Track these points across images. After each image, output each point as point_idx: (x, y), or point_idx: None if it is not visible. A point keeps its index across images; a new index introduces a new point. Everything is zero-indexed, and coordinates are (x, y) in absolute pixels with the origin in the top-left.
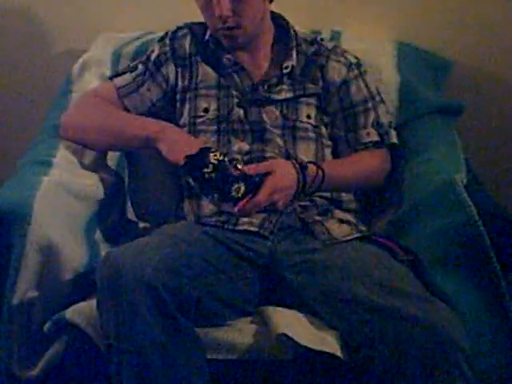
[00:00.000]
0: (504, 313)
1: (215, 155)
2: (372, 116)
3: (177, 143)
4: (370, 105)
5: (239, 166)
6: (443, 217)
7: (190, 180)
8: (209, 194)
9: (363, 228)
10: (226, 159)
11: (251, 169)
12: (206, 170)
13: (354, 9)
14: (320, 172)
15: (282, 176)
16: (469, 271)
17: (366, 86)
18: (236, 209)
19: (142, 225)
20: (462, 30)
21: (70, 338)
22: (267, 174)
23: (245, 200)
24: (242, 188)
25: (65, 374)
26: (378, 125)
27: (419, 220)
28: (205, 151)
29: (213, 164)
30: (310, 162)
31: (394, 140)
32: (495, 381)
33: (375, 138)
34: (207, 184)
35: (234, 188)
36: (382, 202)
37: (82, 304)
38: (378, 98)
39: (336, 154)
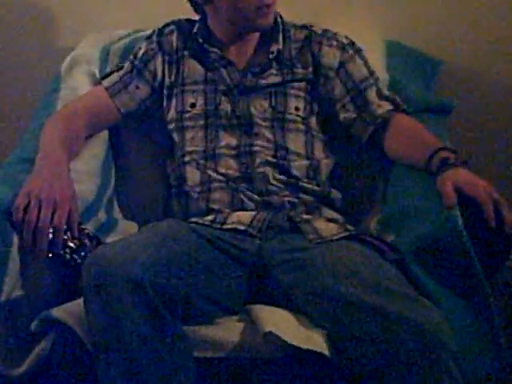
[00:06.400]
0: (488, 314)
1: None
2: (375, 91)
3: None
4: (371, 81)
5: None
6: (430, 220)
7: None
8: None
9: (351, 227)
10: None
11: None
12: None
13: (343, 7)
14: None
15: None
16: (453, 275)
17: (364, 63)
18: None
19: (129, 223)
20: (451, 28)
21: (57, 336)
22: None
23: None
24: None
25: (51, 372)
26: (383, 96)
27: (407, 221)
28: None
29: None
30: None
31: (405, 106)
32: (481, 380)
33: (389, 107)
34: None
35: None
36: (370, 200)
37: (69, 303)
38: (375, 75)
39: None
